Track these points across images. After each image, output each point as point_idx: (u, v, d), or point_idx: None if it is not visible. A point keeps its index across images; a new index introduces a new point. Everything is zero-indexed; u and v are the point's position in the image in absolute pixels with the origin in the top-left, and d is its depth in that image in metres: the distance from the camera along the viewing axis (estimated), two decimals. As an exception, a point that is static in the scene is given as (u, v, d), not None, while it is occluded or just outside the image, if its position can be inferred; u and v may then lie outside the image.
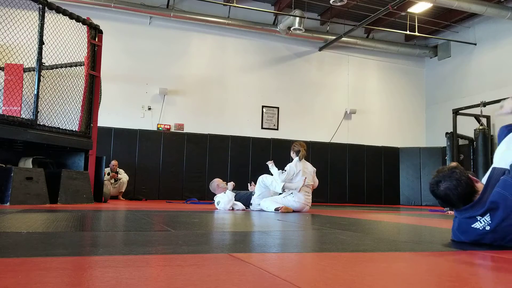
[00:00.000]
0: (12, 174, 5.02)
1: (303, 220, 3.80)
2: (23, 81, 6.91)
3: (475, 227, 1.95)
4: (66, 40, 6.16)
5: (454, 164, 2.39)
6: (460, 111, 10.46)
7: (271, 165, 5.76)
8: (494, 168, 2.04)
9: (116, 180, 8.74)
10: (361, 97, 12.44)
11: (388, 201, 11.67)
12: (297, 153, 5.78)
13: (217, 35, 11.21)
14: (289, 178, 5.60)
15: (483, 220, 1.92)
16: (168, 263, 1.37)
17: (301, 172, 5.64)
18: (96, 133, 6.76)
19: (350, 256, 1.66)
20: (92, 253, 1.56)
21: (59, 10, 5.98)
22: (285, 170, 5.61)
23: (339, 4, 9.33)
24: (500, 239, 1.90)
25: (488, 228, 1.91)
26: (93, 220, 3.18)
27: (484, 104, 9.91)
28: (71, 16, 6.20)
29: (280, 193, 5.71)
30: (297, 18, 10.44)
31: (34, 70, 5.83)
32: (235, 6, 10.10)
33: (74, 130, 6.34)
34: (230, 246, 1.87)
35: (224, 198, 5.62)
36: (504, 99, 2.40)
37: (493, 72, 10.88)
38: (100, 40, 6.91)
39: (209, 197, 9.88)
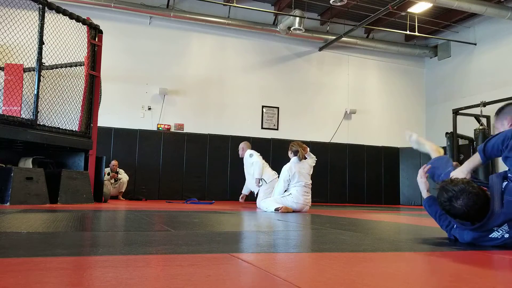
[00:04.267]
0: (12, 174, 5.02)
1: (303, 220, 3.80)
2: (23, 81, 6.91)
3: (493, 237, 1.90)
4: (66, 40, 6.16)
5: (458, 170, 2.22)
6: (460, 111, 10.46)
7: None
8: (491, 177, 1.96)
9: (116, 180, 8.74)
10: (361, 97, 12.44)
11: (388, 201, 11.67)
12: (295, 153, 5.77)
13: (217, 35, 11.21)
14: (286, 180, 5.69)
15: (500, 230, 1.87)
16: (168, 263, 1.37)
17: (297, 173, 5.64)
18: (96, 133, 6.75)
19: (350, 256, 1.66)
20: (92, 253, 1.56)
21: (59, 10, 5.98)
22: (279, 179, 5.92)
23: (339, 4, 9.33)
24: None
25: (507, 235, 1.87)
26: (93, 220, 3.18)
27: (484, 104, 9.91)
28: (71, 16, 6.20)
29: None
30: (297, 18, 10.44)
31: (34, 70, 5.83)
32: (235, 6, 10.10)
33: (74, 130, 6.34)
34: (230, 246, 1.87)
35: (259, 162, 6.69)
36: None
37: (493, 72, 10.88)
38: (100, 40, 6.90)
39: (209, 197, 9.90)
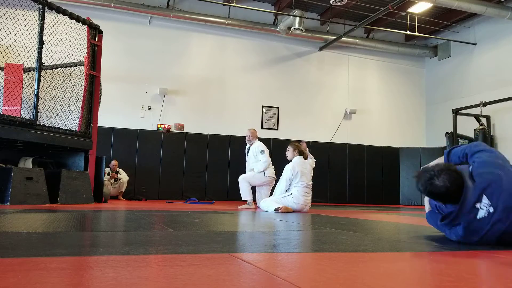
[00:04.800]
0: (12, 174, 5.02)
1: (303, 220, 3.80)
2: (23, 81, 6.91)
3: (480, 216, 1.90)
4: (66, 40, 6.16)
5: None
6: (460, 111, 10.46)
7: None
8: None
9: (116, 180, 8.74)
10: (361, 97, 12.44)
11: (388, 201, 11.67)
12: (301, 153, 5.80)
13: (217, 35, 11.21)
14: (289, 179, 5.66)
15: (483, 206, 1.89)
16: (168, 263, 1.37)
17: (300, 172, 5.64)
18: (96, 133, 6.75)
19: (350, 256, 1.66)
20: (92, 253, 1.56)
21: (59, 10, 5.98)
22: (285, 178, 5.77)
23: (339, 4, 9.33)
24: (507, 216, 1.87)
25: (492, 209, 1.88)
26: (93, 220, 3.18)
27: (484, 104, 9.92)
28: (71, 16, 6.20)
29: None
30: (297, 18, 10.44)
31: (34, 70, 5.83)
32: (235, 6, 10.10)
33: (74, 130, 6.34)
34: (230, 246, 1.87)
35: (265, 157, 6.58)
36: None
37: (493, 72, 10.88)
38: (100, 40, 6.91)
39: (209, 197, 9.90)
